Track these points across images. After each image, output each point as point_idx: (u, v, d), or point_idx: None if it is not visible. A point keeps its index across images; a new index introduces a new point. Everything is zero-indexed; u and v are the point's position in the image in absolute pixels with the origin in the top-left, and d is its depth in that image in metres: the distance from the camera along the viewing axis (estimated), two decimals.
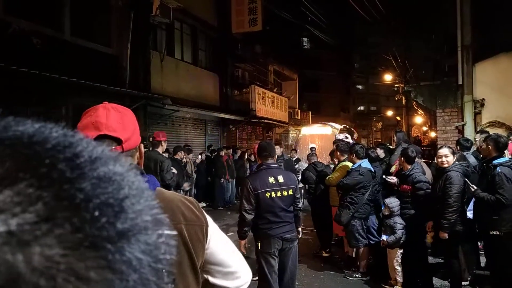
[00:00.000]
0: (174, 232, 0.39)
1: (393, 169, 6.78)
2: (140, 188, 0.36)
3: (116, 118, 1.35)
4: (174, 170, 8.54)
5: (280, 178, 4.49)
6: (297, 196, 4.68)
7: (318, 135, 16.26)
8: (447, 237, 5.10)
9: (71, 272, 0.28)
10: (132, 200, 0.34)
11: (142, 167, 1.46)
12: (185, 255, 1.29)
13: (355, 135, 13.14)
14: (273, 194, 4.41)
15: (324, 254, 7.64)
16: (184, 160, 10.90)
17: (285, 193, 4.49)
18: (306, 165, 13.82)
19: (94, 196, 0.31)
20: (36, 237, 0.28)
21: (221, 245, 1.44)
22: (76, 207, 0.30)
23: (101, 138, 1.30)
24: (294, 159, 13.42)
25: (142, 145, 1.47)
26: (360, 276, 6.36)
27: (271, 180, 4.44)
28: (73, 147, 0.34)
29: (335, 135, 12.51)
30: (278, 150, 8.68)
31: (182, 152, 10.59)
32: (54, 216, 0.29)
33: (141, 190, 0.36)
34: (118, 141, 1.32)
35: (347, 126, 14.50)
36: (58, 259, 0.28)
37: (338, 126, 15.57)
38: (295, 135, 16.93)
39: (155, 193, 1.30)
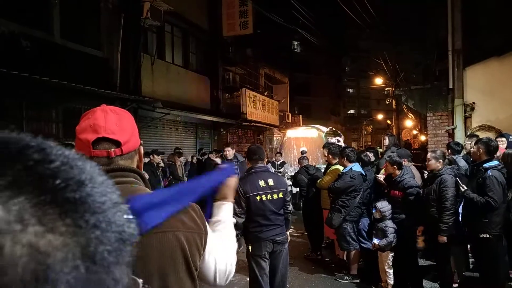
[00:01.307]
0: (131, 217, 0.47)
1: (382, 172, 6.81)
2: (98, 177, 0.45)
3: (115, 120, 1.33)
4: (146, 175, 8.34)
5: (271, 182, 4.51)
6: (287, 199, 4.70)
7: (303, 138, 15.91)
8: (446, 241, 5.12)
9: (39, 221, 0.37)
10: (91, 182, 0.43)
11: (142, 170, 1.44)
12: (182, 261, 1.29)
13: (342, 138, 13.14)
14: (264, 197, 4.43)
15: (315, 257, 7.64)
16: (161, 164, 10.69)
17: (275, 196, 4.51)
18: (291, 168, 13.81)
19: (59, 173, 0.40)
20: (10, 196, 0.37)
21: (210, 260, 1.45)
22: (42, 179, 0.39)
23: (100, 140, 1.28)
24: (279, 162, 13.39)
25: (141, 148, 1.45)
26: (351, 278, 6.38)
27: (262, 183, 4.46)
28: (41, 146, 0.43)
29: (328, 138, 12.50)
30: (231, 151, 8.23)
31: (158, 155, 10.33)
32: (22, 184, 0.38)
33: (101, 180, 0.45)
34: (117, 144, 1.31)
35: (333, 129, 14.40)
36: (28, 211, 0.37)
37: (324, 129, 15.37)
38: (280, 137, 16.42)
39: None
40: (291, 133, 16.78)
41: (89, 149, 1.27)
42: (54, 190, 0.38)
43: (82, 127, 1.31)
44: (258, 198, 4.40)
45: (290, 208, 4.88)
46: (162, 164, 10.86)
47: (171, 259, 1.26)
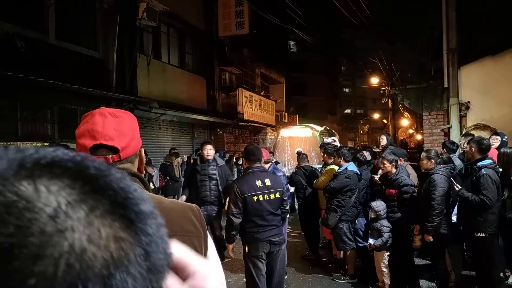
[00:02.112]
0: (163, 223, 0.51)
1: (380, 172, 6.82)
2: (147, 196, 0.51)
3: (113, 125, 1.32)
4: None
5: (267, 182, 4.50)
6: (284, 198, 4.70)
7: (297, 138, 15.63)
8: (432, 240, 5.15)
9: (113, 222, 0.42)
10: (145, 200, 0.48)
11: (143, 173, 1.42)
12: None
13: (337, 137, 13.09)
14: (261, 198, 4.42)
15: (312, 257, 7.65)
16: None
17: (272, 196, 4.51)
18: (285, 168, 13.74)
19: (125, 189, 0.46)
20: (95, 198, 0.43)
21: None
22: (115, 192, 0.45)
23: (97, 147, 1.28)
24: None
25: (143, 150, 1.43)
26: (348, 278, 6.38)
27: (258, 183, 4.44)
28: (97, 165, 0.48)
29: (324, 138, 12.46)
30: (211, 151, 6.95)
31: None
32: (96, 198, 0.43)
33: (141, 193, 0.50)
34: (114, 150, 1.30)
35: (328, 128, 14.35)
36: (108, 215, 0.43)
37: (319, 128, 15.22)
38: (273, 137, 16.16)
39: (156, 201, 1.28)
40: (284, 132, 16.47)
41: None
42: (124, 201, 0.45)
43: (80, 131, 1.30)
44: (255, 198, 4.39)
45: (288, 208, 4.89)
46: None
47: None
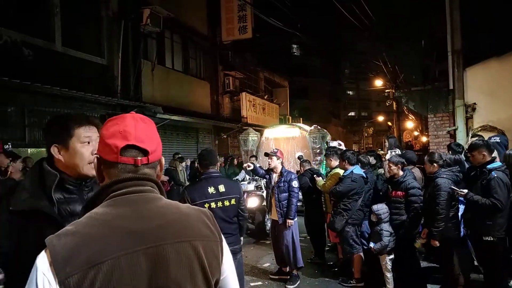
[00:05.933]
0: None
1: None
2: None
3: (144, 129, 1.35)
4: None
5: (221, 188, 4.32)
6: (241, 207, 4.49)
7: (284, 138, 13.95)
8: (438, 245, 5.12)
9: None
10: None
11: (160, 179, 1.45)
12: (199, 271, 1.27)
13: (329, 137, 12.65)
14: (213, 205, 4.24)
15: (319, 261, 7.63)
16: None
17: (226, 203, 4.33)
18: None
19: None
20: None
21: (231, 269, 1.44)
22: None
23: (128, 147, 1.30)
24: (250, 168, 12.10)
25: (163, 158, 1.45)
26: (355, 282, 6.35)
27: (211, 190, 4.27)
28: None
29: (329, 142, 12.12)
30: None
31: None
32: None
33: None
34: (144, 152, 1.32)
35: (319, 127, 13.45)
36: None
37: (307, 127, 14.22)
38: (256, 138, 14.57)
39: (174, 206, 1.33)
40: (269, 132, 14.69)
41: (116, 155, 1.28)
42: None
43: (110, 132, 1.31)
44: (206, 205, 4.16)
45: (246, 214, 4.63)
46: None
47: (188, 269, 1.25)
